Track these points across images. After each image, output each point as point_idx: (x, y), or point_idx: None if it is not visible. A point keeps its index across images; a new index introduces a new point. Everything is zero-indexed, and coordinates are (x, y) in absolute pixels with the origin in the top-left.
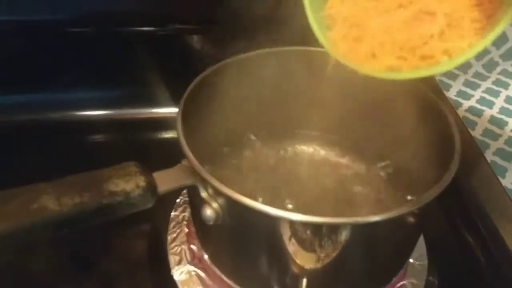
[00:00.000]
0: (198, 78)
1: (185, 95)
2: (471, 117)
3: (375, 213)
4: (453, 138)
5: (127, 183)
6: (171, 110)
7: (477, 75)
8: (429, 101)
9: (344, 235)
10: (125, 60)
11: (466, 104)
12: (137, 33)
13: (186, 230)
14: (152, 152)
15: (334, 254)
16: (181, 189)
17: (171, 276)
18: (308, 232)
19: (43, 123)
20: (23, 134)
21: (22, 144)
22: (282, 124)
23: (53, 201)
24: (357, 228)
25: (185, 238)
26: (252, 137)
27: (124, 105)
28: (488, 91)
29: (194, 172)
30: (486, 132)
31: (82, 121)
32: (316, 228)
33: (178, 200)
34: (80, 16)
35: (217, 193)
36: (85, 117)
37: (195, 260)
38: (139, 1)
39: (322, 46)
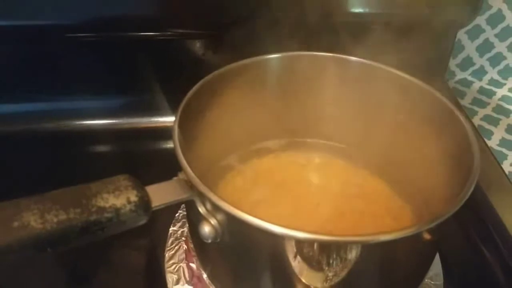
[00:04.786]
0: (197, 85)
1: (182, 103)
2: (487, 126)
3: (389, 232)
4: (472, 150)
5: (117, 198)
6: (170, 119)
7: (492, 82)
8: (446, 111)
9: (354, 255)
10: (123, 68)
11: (482, 112)
12: (138, 39)
13: (185, 246)
14: (149, 163)
15: (343, 275)
16: (179, 203)
17: None
18: (315, 251)
19: (35, 133)
20: (13, 144)
21: (8, 155)
22: (286, 133)
23: (36, 218)
24: (369, 247)
25: (183, 255)
26: (254, 147)
27: (121, 114)
28: (504, 98)
29: (191, 186)
30: (504, 142)
31: (76, 131)
32: (324, 247)
33: (177, 215)
34: (79, 22)
35: (216, 208)
36: (78, 126)
37: (194, 279)
38: (139, 6)
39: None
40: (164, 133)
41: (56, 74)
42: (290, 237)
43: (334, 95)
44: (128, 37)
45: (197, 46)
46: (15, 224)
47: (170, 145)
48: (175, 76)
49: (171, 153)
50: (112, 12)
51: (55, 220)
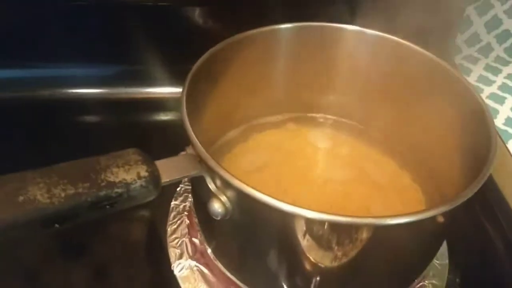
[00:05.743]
0: (204, 55)
1: (191, 73)
2: (492, 104)
3: (403, 215)
4: (489, 136)
5: (127, 173)
6: (171, 90)
7: (499, 59)
8: (469, 97)
9: (365, 235)
10: (121, 35)
11: (488, 90)
12: (136, 3)
13: (187, 221)
14: (150, 136)
15: (352, 256)
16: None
17: (172, 271)
18: (325, 231)
19: (31, 101)
20: (8, 112)
21: (6, 124)
22: (295, 107)
23: (42, 192)
24: (381, 229)
25: (186, 230)
26: (261, 121)
27: (120, 84)
28: (510, 77)
29: (200, 161)
30: (509, 121)
31: (74, 100)
32: (335, 227)
33: (178, 189)
34: None
35: (227, 185)
36: (77, 95)
37: (197, 255)
38: None
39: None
40: (162, 104)
41: (52, 40)
42: (302, 216)
43: (345, 69)
44: (123, 2)
45: (197, 14)
46: (20, 198)
47: (167, 117)
48: (175, 46)
49: (170, 125)
50: None
51: (62, 194)
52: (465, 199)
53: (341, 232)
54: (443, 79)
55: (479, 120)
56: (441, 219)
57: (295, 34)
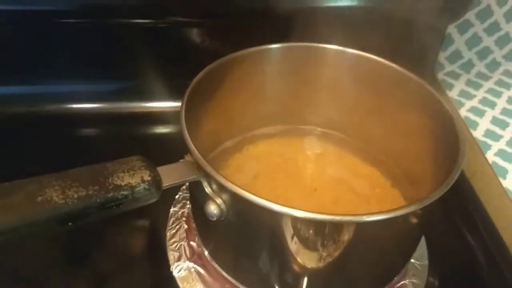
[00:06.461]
0: (201, 72)
1: (189, 88)
2: (472, 117)
3: (380, 212)
4: (458, 140)
5: (132, 177)
6: (170, 104)
7: (479, 75)
8: (436, 102)
9: (347, 233)
10: (122, 53)
11: (468, 104)
12: (136, 25)
13: (186, 226)
14: (150, 147)
15: (337, 252)
16: (182, 184)
17: (171, 273)
18: (311, 229)
19: (38, 116)
20: (19, 126)
21: (19, 137)
22: (285, 119)
23: (58, 194)
24: (361, 226)
25: (184, 235)
26: (255, 132)
27: (122, 99)
28: (490, 91)
29: (198, 167)
30: (488, 133)
31: (78, 114)
32: (319, 225)
33: (177, 196)
34: (77, 7)
35: (222, 188)
36: (81, 110)
37: (195, 257)
38: None
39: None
40: (160, 118)
41: (55, 58)
42: (289, 215)
43: (329, 84)
44: (125, 23)
45: (194, 33)
46: (39, 199)
47: (166, 130)
48: (173, 63)
49: (168, 137)
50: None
51: (75, 196)
52: (433, 200)
53: (325, 230)
54: (417, 92)
55: (450, 129)
56: (413, 217)
57: (284, 53)
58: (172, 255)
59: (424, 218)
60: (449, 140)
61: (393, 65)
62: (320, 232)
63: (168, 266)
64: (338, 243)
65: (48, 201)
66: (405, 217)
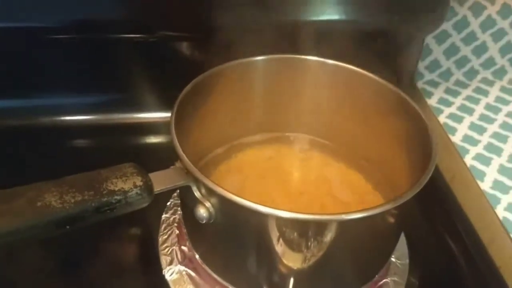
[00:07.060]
0: (189, 84)
1: (178, 99)
2: (451, 123)
3: (358, 211)
4: (431, 142)
5: (125, 183)
6: (160, 115)
7: (458, 83)
8: (411, 110)
9: (329, 232)
10: (114, 66)
11: (447, 110)
12: (127, 40)
13: (177, 231)
14: (142, 156)
15: (321, 251)
16: (173, 191)
17: (163, 276)
18: (295, 229)
19: (32, 128)
20: (15, 138)
21: (16, 149)
22: (271, 128)
23: (56, 199)
24: (341, 225)
25: (176, 240)
26: (242, 141)
27: (113, 110)
28: (468, 98)
29: (187, 173)
30: (466, 138)
31: (72, 126)
32: (303, 225)
33: (168, 203)
34: (69, 24)
35: (210, 192)
36: (75, 122)
37: (186, 261)
38: (127, 9)
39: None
40: (151, 128)
41: (48, 72)
42: (273, 216)
43: (312, 93)
44: (114, 38)
45: (184, 47)
46: (39, 203)
47: (157, 139)
48: (162, 75)
49: (159, 147)
50: (96, 14)
51: (72, 200)
52: (407, 199)
53: (308, 230)
54: (394, 100)
55: (425, 134)
56: (390, 216)
57: (268, 65)
58: (164, 259)
59: (400, 216)
60: (424, 144)
61: (371, 75)
62: (304, 232)
63: (160, 270)
64: (321, 243)
65: (47, 206)
66: (382, 215)
